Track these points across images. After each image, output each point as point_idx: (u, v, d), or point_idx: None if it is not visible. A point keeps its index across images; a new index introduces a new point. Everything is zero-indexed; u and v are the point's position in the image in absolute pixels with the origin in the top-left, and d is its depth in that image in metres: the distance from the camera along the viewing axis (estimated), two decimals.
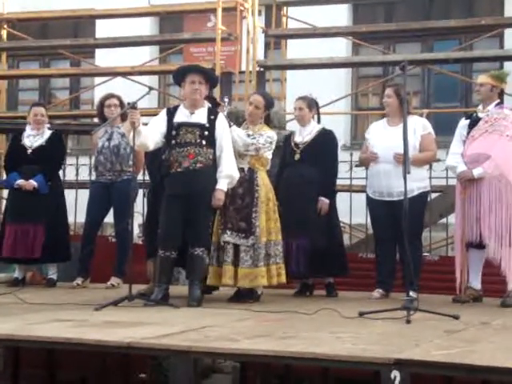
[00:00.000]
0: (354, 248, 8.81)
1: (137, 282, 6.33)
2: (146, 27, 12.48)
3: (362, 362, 3.80)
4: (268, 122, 6.73)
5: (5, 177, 8.10)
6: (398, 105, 6.70)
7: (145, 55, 11.87)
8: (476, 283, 6.58)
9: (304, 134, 7.07)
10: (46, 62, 13.65)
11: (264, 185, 6.47)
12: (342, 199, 7.75)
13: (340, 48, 11.56)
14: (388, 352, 3.87)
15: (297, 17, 10.67)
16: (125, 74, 10.52)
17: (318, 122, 7.18)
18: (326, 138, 7.05)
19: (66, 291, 7.26)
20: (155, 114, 6.65)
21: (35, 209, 7.45)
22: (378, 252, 7.01)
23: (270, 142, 6.53)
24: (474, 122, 6.62)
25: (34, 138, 7.71)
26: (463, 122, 6.75)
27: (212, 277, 6.34)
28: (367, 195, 7.04)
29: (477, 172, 6.40)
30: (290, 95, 9.83)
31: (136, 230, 8.67)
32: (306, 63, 10.13)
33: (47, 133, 7.77)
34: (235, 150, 6.35)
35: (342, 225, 7.61)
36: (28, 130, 7.77)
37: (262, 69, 10.15)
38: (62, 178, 8.22)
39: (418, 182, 6.68)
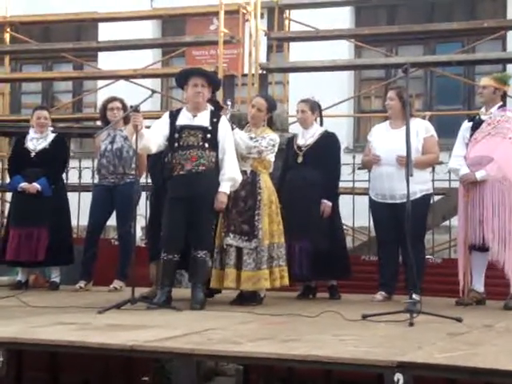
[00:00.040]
0: (356, 250, 8.80)
1: (139, 285, 6.34)
2: (148, 30, 12.50)
3: (365, 364, 3.80)
4: (270, 124, 6.74)
5: (8, 180, 8.11)
6: (401, 107, 6.70)
7: (147, 58, 11.88)
8: (479, 286, 6.57)
9: (307, 137, 7.07)
10: (49, 65, 13.68)
11: (267, 187, 6.47)
12: (344, 202, 7.75)
13: (342, 51, 11.58)
14: (391, 355, 3.87)
15: (299, 20, 10.68)
16: (127, 77, 10.53)
17: (321, 124, 7.18)
18: (328, 141, 7.05)
19: (68, 294, 7.26)
20: (158, 117, 6.65)
21: (39, 212, 7.45)
22: (380, 254, 7.01)
23: (273, 145, 6.53)
24: (476, 124, 6.62)
25: (37, 142, 7.72)
26: (466, 125, 6.75)
27: (215, 280, 6.34)
28: (370, 198, 7.03)
29: (480, 174, 6.39)
30: (292, 98, 9.83)
31: (139, 233, 8.69)
32: (308, 66, 10.13)
33: (50, 136, 7.79)
34: (238, 153, 6.36)
35: (344, 227, 7.60)
36: (31, 134, 7.79)
37: (264, 72, 10.15)
38: (64, 181, 8.22)
39: (421, 184, 6.68)
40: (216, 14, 10.15)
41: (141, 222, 8.32)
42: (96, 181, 7.98)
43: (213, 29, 11.62)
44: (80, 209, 8.76)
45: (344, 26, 11.54)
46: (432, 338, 4.52)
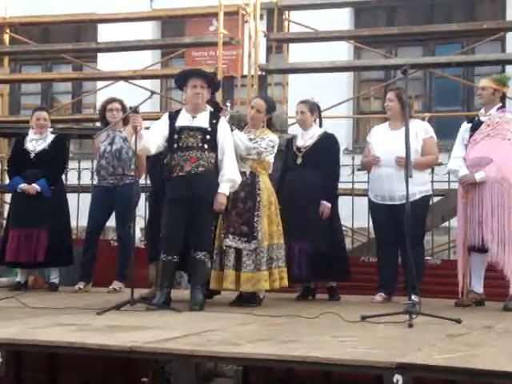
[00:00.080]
0: (356, 252, 8.80)
1: (139, 286, 6.34)
2: (147, 31, 12.50)
3: (365, 366, 3.80)
4: (270, 125, 6.74)
5: (8, 181, 8.11)
6: (400, 109, 6.70)
7: (147, 59, 11.88)
8: (478, 287, 6.57)
9: (306, 138, 7.07)
10: (48, 66, 13.67)
11: (266, 188, 6.46)
12: (343, 203, 7.75)
13: (342, 52, 11.57)
14: (390, 356, 3.87)
15: (298, 21, 10.68)
16: (127, 78, 10.54)
17: (320, 125, 7.18)
18: (327, 142, 7.05)
19: (68, 295, 7.26)
20: (157, 118, 6.66)
21: (38, 213, 7.45)
22: (380, 256, 7.01)
23: (272, 146, 6.53)
24: (475, 125, 6.62)
25: (36, 143, 7.72)
26: (465, 126, 6.75)
27: (214, 281, 6.34)
28: (369, 199, 7.03)
29: (479, 176, 6.40)
30: (291, 99, 9.82)
31: (138, 234, 8.69)
32: (307, 67, 10.14)
33: (50, 137, 7.79)
34: (237, 154, 6.36)
35: (343, 228, 7.61)
36: (31, 135, 7.79)
37: (263, 73, 10.15)
38: (64, 182, 8.22)
39: (420, 185, 6.68)
40: (215, 15, 10.15)
41: (140, 223, 8.33)
42: (95, 182, 7.98)
43: (212, 30, 11.62)
44: (79, 210, 8.76)
45: (343, 27, 11.54)
46: (431, 339, 4.52)
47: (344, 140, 10.69)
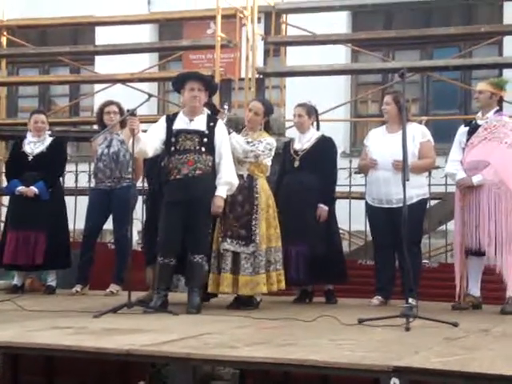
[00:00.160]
0: (353, 255, 8.80)
1: (136, 289, 6.32)
2: (145, 34, 12.49)
3: (362, 369, 3.79)
4: (267, 128, 6.74)
5: (6, 184, 8.11)
6: (397, 112, 6.71)
7: (144, 62, 11.88)
8: (475, 290, 6.58)
9: (303, 141, 7.08)
10: (46, 68, 13.66)
11: (263, 191, 6.46)
12: (341, 206, 7.76)
13: (339, 55, 11.58)
14: (387, 359, 3.87)
15: (296, 24, 10.69)
16: (124, 80, 10.53)
17: (318, 128, 7.18)
18: (325, 145, 7.05)
19: (65, 298, 7.25)
20: (155, 121, 6.65)
21: (36, 216, 7.45)
22: (377, 259, 7.01)
23: (270, 149, 6.53)
24: (473, 129, 6.63)
25: (34, 145, 7.72)
26: (462, 129, 6.76)
27: (212, 284, 6.34)
28: (366, 202, 7.04)
29: (476, 179, 6.40)
30: (289, 102, 9.84)
31: (135, 237, 8.68)
32: (305, 70, 10.15)
33: (48, 140, 7.79)
34: (234, 157, 6.36)
35: (341, 232, 7.61)
36: (29, 137, 7.79)
37: (261, 76, 10.16)
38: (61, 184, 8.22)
39: (417, 189, 6.69)
40: (213, 18, 10.15)
41: (137, 226, 8.33)
42: (92, 185, 7.98)
43: (210, 33, 11.61)
44: (76, 213, 8.75)
45: (341, 30, 11.56)
46: (428, 342, 4.52)
47: (341, 143, 10.69)
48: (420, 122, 7.76)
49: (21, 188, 7.55)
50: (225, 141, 6.25)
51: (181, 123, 6.25)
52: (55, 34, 13.14)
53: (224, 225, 6.37)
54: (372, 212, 6.97)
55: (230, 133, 6.37)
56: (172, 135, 6.19)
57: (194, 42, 10.75)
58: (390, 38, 10.87)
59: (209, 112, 6.41)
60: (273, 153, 6.59)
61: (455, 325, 5.18)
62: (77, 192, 9.12)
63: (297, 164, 7.01)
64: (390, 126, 6.94)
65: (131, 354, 4.19)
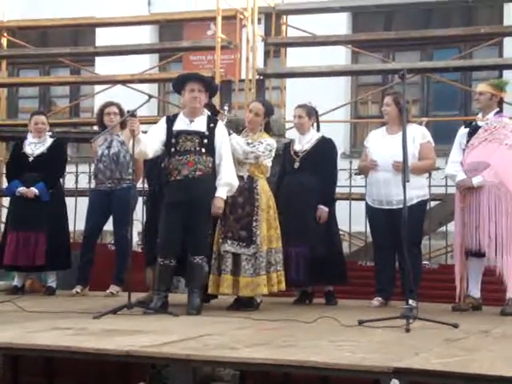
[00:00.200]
0: (353, 256, 8.81)
1: (136, 290, 6.33)
2: (145, 35, 12.49)
3: (362, 370, 3.79)
4: (268, 129, 6.74)
5: (6, 184, 8.11)
6: (397, 113, 6.71)
7: (144, 63, 11.88)
8: (475, 291, 6.58)
9: (303, 142, 7.08)
10: (46, 69, 13.67)
11: (264, 192, 6.46)
12: (341, 207, 7.76)
13: (339, 56, 11.59)
14: (387, 360, 3.87)
15: (296, 25, 10.69)
16: (124, 81, 10.54)
17: (318, 130, 7.18)
18: (325, 146, 7.05)
19: (65, 299, 7.25)
20: (155, 122, 6.65)
21: (37, 216, 7.46)
22: (377, 260, 7.01)
23: (270, 150, 6.53)
24: (473, 130, 6.63)
25: (35, 146, 7.72)
26: (462, 131, 6.76)
27: (212, 285, 6.34)
28: (366, 203, 7.04)
29: (476, 180, 6.40)
30: (289, 103, 9.84)
31: (135, 238, 8.68)
32: (305, 71, 10.15)
33: (49, 141, 7.79)
34: (235, 158, 6.36)
35: (341, 233, 7.61)
36: (29, 138, 7.79)
37: (261, 77, 10.16)
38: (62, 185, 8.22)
39: (418, 190, 6.69)
40: (213, 19, 10.16)
41: (137, 227, 8.33)
42: (93, 186, 7.98)
43: (210, 34, 11.62)
44: (77, 214, 8.75)
45: (341, 31, 11.55)
46: (428, 343, 4.52)
47: (341, 144, 10.68)
48: (420, 124, 7.76)
49: (21, 189, 7.55)
50: (225, 142, 6.25)
51: (181, 124, 6.25)
52: (55, 35, 13.13)
53: (224, 226, 6.37)
54: (372, 213, 6.97)
55: (230, 134, 6.37)
56: (172, 136, 6.19)
57: (195, 43, 10.75)
58: (390, 39, 10.86)
59: (209, 113, 6.41)
60: (273, 154, 6.59)
61: (455, 326, 5.18)
62: (77, 193, 9.13)
63: (297, 165, 7.01)
64: (390, 128, 6.94)
65: (131, 355, 4.19)
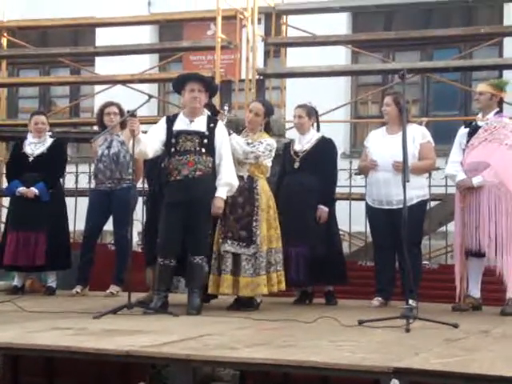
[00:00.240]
0: (353, 256, 8.81)
1: (136, 290, 6.33)
2: (145, 35, 12.49)
3: (362, 370, 3.79)
4: (268, 129, 6.74)
5: (6, 184, 8.11)
6: (397, 113, 6.71)
7: (144, 63, 11.88)
8: (475, 291, 6.58)
9: (303, 142, 7.08)
10: (46, 69, 13.67)
11: (264, 192, 6.46)
12: (341, 207, 7.76)
13: (339, 56, 11.59)
14: (387, 360, 3.87)
15: (296, 25, 10.69)
16: (124, 82, 10.54)
17: (318, 130, 7.18)
18: (325, 146, 7.05)
19: (65, 299, 7.25)
20: (155, 122, 6.65)
21: (37, 216, 7.46)
22: (377, 260, 7.01)
23: (270, 150, 6.53)
24: (473, 130, 6.63)
25: (35, 146, 7.72)
26: (462, 131, 6.76)
27: (212, 285, 6.34)
28: (366, 203, 7.04)
29: (476, 180, 6.40)
30: (289, 103, 9.84)
31: (135, 238, 8.68)
32: (305, 71, 10.15)
33: (49, 141, 7.79)
34: (235, 158, 6.36)
35: (341, 233, 7.61)
36: (30, 138, 7.79)
37: (261, 77, 10.16)
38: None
39: (418, 190, 6.69)
40: (213, 19, 10.16)
41: (137, 227, 8.33)
42: (93, 186, 7.98)
43: (210, 34, 11.62)
44: (77, 214, 8.75)
45: (341, 31, 11.55)
46: (428, 343, 4.52)
47: (341, 144, 10.68)
48: (420, 124, 7.76)
49: (21, 189, 7.56)
50: (225, 142, 6.25)
51: (181, 124, 6.25)
52: (55, 35, 13.14)
53: (224, 226, 6.37)
54: (372, 213, 6.97)
55: (230, 134, 6.37)
56: (172, 136, 6.19)
57: (195, 43, 10.76)
58: (390, 39, 10.86)
59: (209, 113, 6.41)
60: (273, 154, 6.59)
61: (455, 326, 5.18)
62: (77, 193, 9.13)
63: (297, 165, 7.01)
64: (390, 128, 6.94)
65: (131, 355, 4.19)
